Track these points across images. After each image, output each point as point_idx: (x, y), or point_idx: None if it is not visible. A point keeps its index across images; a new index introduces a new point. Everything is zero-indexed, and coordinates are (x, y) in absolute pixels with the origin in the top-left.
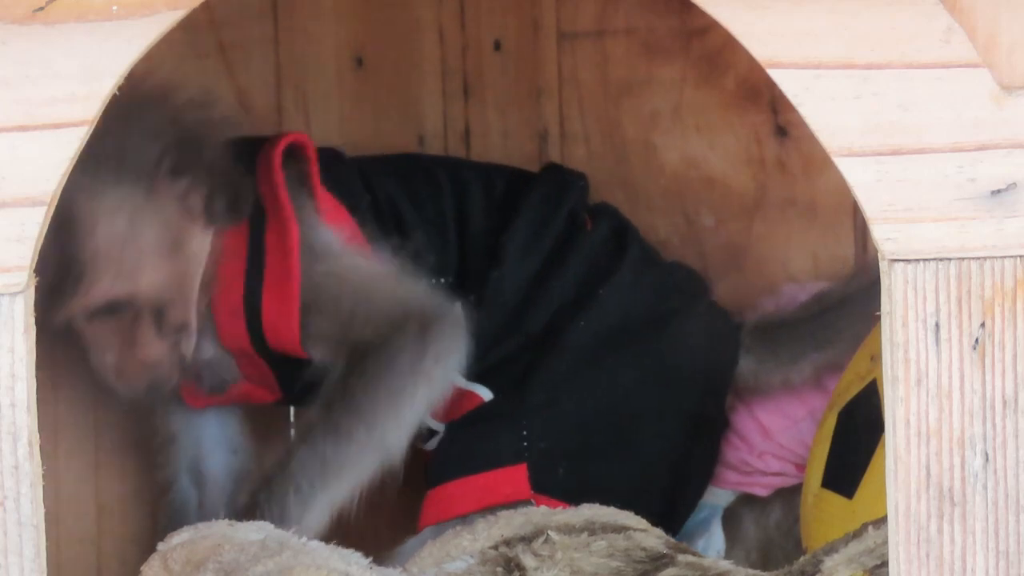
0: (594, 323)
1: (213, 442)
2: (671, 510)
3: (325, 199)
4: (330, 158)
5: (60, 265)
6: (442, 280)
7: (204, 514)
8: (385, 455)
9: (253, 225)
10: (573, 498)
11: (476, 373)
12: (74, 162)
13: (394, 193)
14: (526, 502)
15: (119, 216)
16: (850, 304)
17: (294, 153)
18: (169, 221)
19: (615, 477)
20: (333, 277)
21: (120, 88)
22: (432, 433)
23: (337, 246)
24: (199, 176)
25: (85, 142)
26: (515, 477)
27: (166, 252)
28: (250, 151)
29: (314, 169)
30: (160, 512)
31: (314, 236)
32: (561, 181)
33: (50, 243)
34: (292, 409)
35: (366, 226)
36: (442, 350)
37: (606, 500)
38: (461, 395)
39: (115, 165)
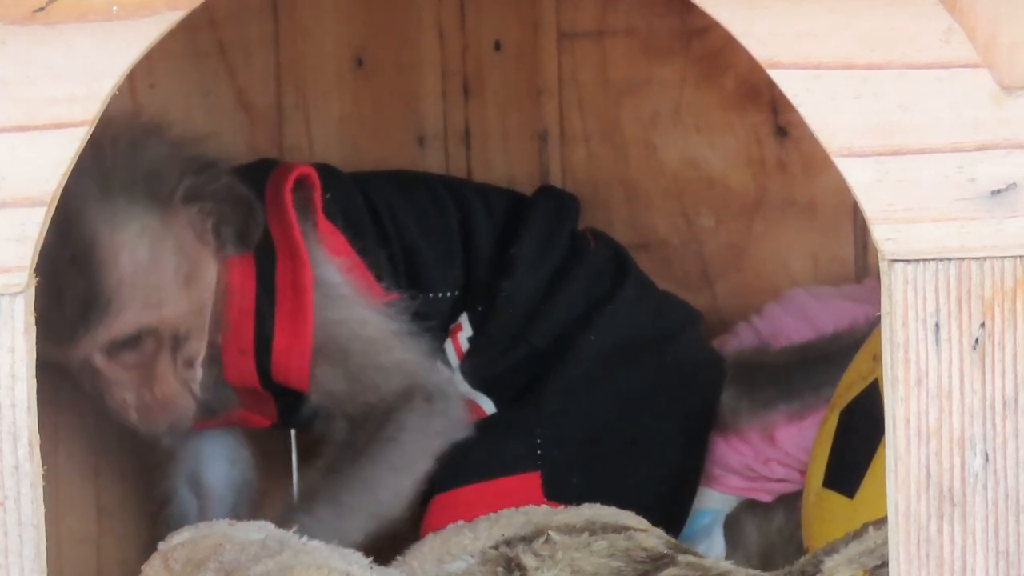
0: (604, 338)
1: (212, 454)
2: (670, 519)
3: (326, 230)
4: (332, 182)
5: (85, 297)
6: (448, 294)
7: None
8: (385, 522)
9: (260, 260)
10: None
11: (480, 382)
12: (74, 162)
13: (397, 206)
14: None
15: (140, 244)
16: (830, 360)
17: (300, 183)
18: (184, 249)
19: (623, 487)
20: (344, 327)
21: (116, 121)
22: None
23: (348, 291)
24: (209, 203)
25: (85, 143)
26: (528, 485)
27: (184, 280)
28: (256, 179)
29: (317, 200)
30: (160, 524)
31: (322, 273)
32: (560, 201)
33: (72, 276)
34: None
35: (367, 256)
36: (446, 429)
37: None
38: (464, 402)
39: (130, 193)
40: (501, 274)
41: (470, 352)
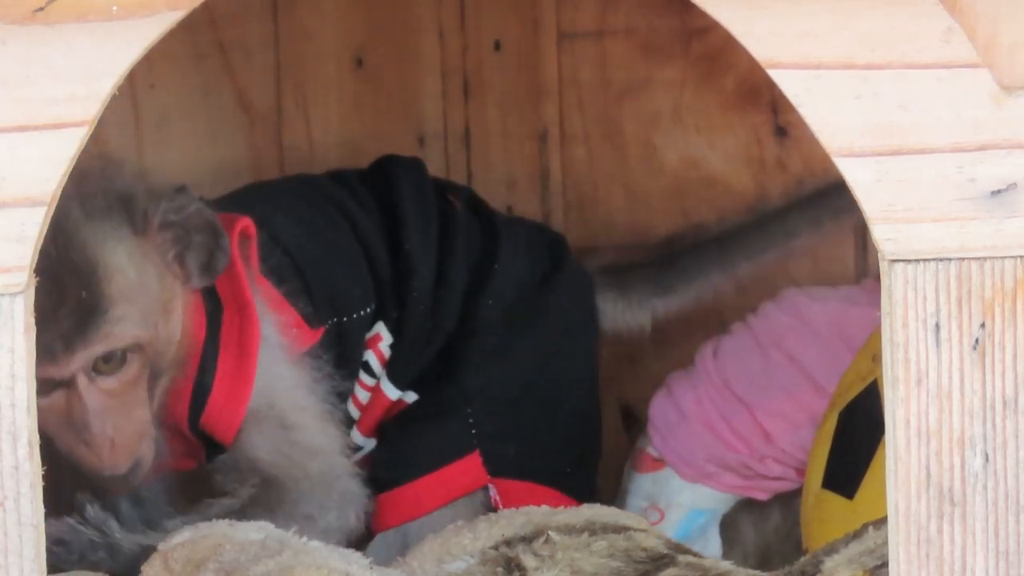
0: (498, 299)
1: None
2: (589, 463)
3: (263, 284)
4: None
5: (85, 305)
6: (366, 311)
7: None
8: None
9: (209, 309)
10: (526, 475)
11: (407, 383)
12: (74, 162)
13: (298, 235)
14: (485, 488)
15: (130, 266)
16: (701, 251)
17: (243, 235)
18: (161, 278)
19: (553, 443)
20: (280, 397)
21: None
22: (356, 449)
23: (285, 355)
24: (179, 230)
25: (84, 143)
26: (470, 466)
27: (163, 307)
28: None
29: (254, 253)
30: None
31: (266, 334)
32: (408, 168)
33: (72, 286)
34: None
35: (293, 298)
36: (351, 522)
37: (553, 472)
38: (394, 405)
39: (111, 218)
40: (404, 274)
41: (393, 357)
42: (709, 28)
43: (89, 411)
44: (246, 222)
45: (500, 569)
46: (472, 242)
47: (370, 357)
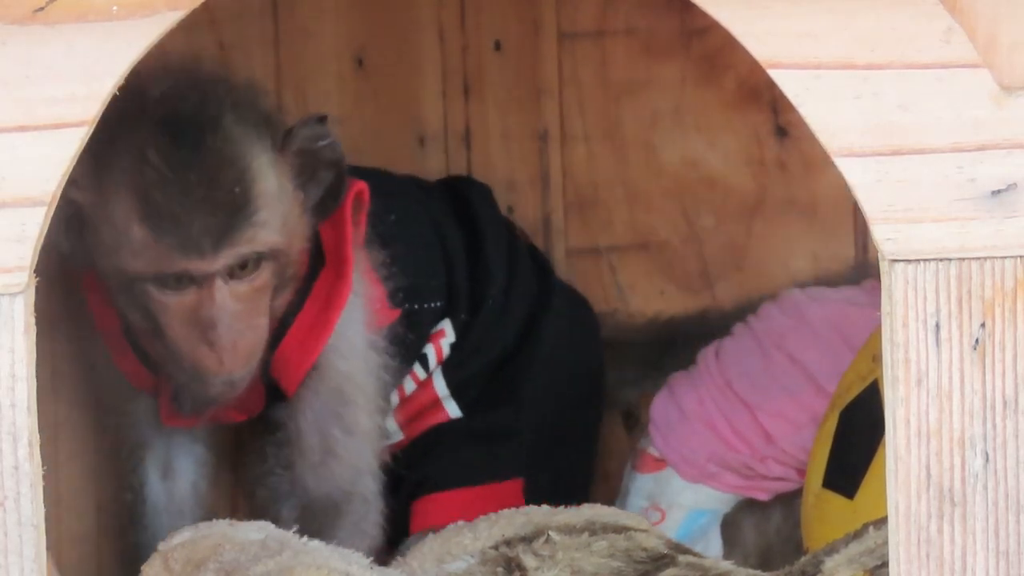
0: (552, 333)
1: (182, 443)
2: (581, 492)
3: (363, 253)
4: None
5: (235, 204)
6: (435, 304)
7: (172, 513)
8: None
9: (311, 254)
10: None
11: (453, 386)
12: (74, 162)
13: (390, 217)
14: None
15: (271, 175)
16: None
17: (357, 198)
18: (291, 197)
19: (571, 479)
20: (339, 375)
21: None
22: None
23: (360, 340)
24: (311, 158)
25: (85, 142)
26: (513, 491)
27: (294, 221)
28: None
29: (363, 221)
30: (132, 513)
31: (353, 296)
32: (486, 191)
33: (225, 178)
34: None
35: (386, 283)
36: (373, 536)
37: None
38: (435, 405)
39: (256, 130)
40: (482, 281)
41: (451, 357)
42: (709, 28)
43: (220, 311)
44: (363, 186)
45: (500, 569)
46: (530, 275)
47: (429, 351)
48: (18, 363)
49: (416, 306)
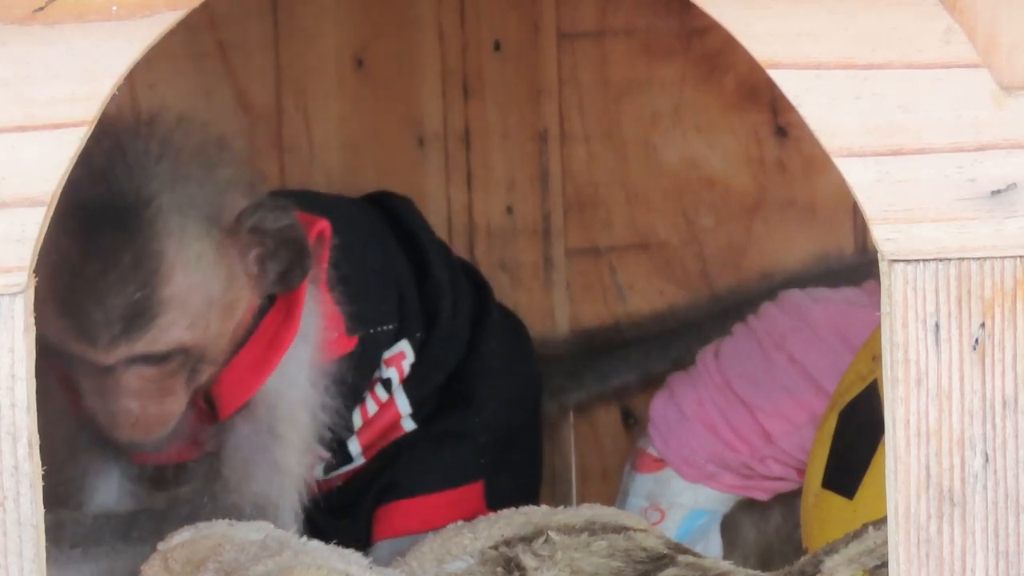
0: (495, 340)
1: (117, 478)
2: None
3: (324, 291)
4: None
5: (135, 306)
6: (388, 327)
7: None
8: None
9: (262, 302)
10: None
11: (415, 402)
12: (74, 162)
13: (347, 252)
14: None
15: (197, 267)
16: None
17: (319, 237)
18: (231, 278)
19: (527, 479)
20: (275, 412)
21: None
22: (345, 459)
23: (304, 380)
24: (268, 239)
25: (84, 142)
26: (475, 494)
27: (223, 309)
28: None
29: (325, 258)
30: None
31: (308, 335)
32: (410, 204)
33: (126, 281)
34: None
35: (344, 314)
36: None
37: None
38: (398, 424)
39: (198, 210)
40: (433, 298)
41: (411, 376)
42: (709, 28)
43: (122, 393)
44: (324, 225)
45: (500, 569)
46: (468, 283)
47: (392, 374)
48: (18, 363)
49: (371, 330)
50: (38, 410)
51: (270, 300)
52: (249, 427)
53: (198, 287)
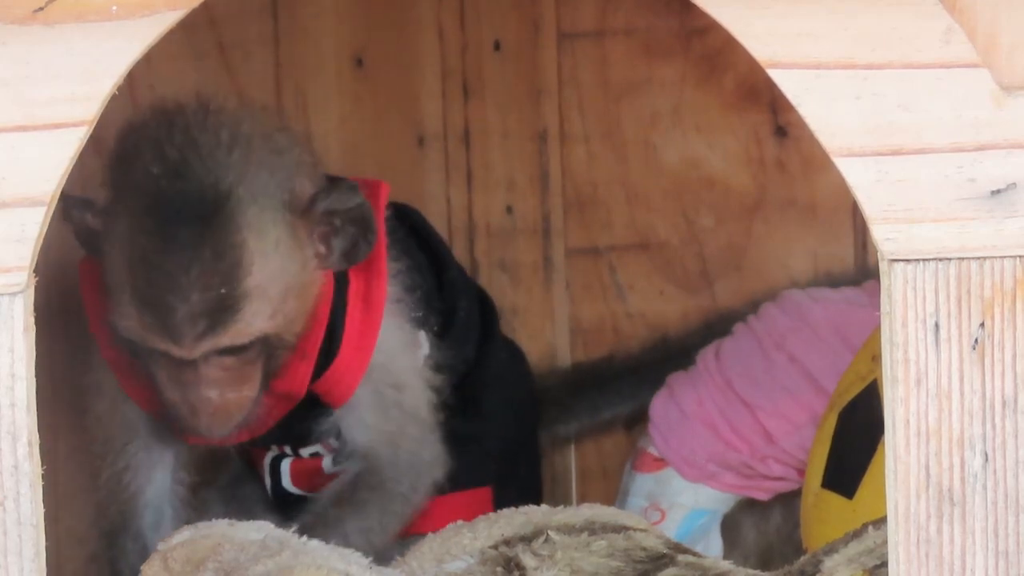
0: (499, 354)
1: (163, 472)
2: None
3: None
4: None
5: (219, 300)
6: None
7: (136, 537)
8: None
9: (337, 273)
10: None
11: None
12: (74, 162)
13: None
14: None
15: (274, 255)
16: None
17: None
18: (304, 262)
19: (533, 492)
20: (393, 365)
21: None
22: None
23: (403, 325)
24: (338, 221)
25: (85, 142)
26: (484, 498)
27: (298, 293)
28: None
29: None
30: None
31: (390, 291)
32: (420, 214)
33: (208, 276)
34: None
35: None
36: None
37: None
38: None
39: (271, 198)
40: (450, 298)
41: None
42: (709, 28)
43: (202, 383)
44: (388, 189)
45: (500, 569)
46: (475, 294)
47: None
48: (18, 363)
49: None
50: (92, 400)
51: (340, 281)
52: (375, 394)
53: (277, 275)
